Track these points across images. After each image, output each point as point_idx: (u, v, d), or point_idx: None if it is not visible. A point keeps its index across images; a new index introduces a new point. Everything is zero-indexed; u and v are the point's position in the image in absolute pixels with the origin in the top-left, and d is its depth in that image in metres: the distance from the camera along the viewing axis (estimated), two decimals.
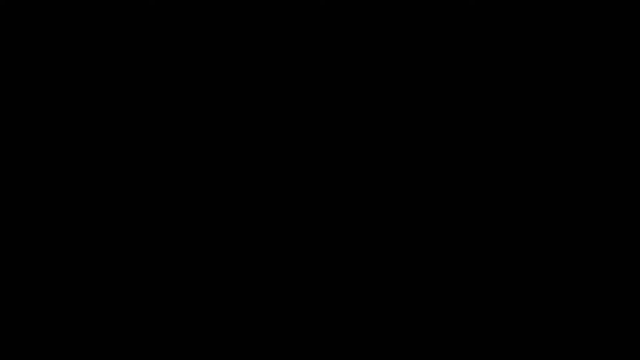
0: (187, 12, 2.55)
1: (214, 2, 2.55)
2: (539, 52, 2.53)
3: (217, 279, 2.51)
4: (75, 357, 2.47)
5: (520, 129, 2.52)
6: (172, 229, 2.52)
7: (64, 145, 2.52)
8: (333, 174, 2.53)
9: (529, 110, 2.52)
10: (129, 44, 2.54)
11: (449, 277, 2.50)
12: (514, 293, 2.49)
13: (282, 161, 2.53)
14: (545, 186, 2.51)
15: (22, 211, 2.51)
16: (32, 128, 2.52)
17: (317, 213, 2.52)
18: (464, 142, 2.53)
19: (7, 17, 2.53)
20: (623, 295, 2.47)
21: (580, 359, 2.45)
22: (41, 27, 2.54)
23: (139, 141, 2.53)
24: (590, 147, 2.51)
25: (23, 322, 2.48)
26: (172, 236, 2.52)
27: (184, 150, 2.53)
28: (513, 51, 2.53)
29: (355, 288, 2.50)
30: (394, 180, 2.53)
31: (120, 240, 2.51)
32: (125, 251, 2.51)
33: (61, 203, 2.51)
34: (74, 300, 2.49)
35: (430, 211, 2.52)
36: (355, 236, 2.52)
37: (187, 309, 2.50)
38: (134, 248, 2.51)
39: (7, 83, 2.53)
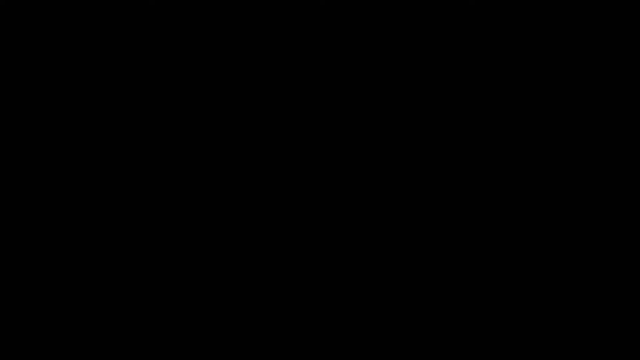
0: (187, 12, 2.55)
1: (214, 2, 2.55)
2: (539, 52, 2.53)
3: (217, 279, 2.51)
4: (75, 357, 2.47)
5: (520, 129, 2.52)
6: (172, 228, 2.52)
7: (64, 145, 2.52)
8: (333, 173, 2.53)
9: (529, 110, 2.52)
10: (129, 44, 2.54)
11: (449, 277, 2.50)
12: (514, 293, 2.49)
13: (282, 161, 2.53)
14: (545, 186, 2.51)
15: (22, 211, 2.51)
16: (32, 128, 2.53)
17: (317, 213, 2.52)
18: (464, 142, 2.53)
19: (7, 17, 2.53)
20: (623, 295, 2.47)
21: (580, 359, 2.45)
22: (41, 27, 2.54)
23: (139, 141, 2.53)
24: (590, 147, 2.51)
25: (23, 322, 2.48)
26: (172, 236, 2.52)
27: (184, 150, 2.53)
28: (513, 51, 2.53)
29: (355, 288, 2.50)
30: (394, 180, 2.53)
31: (120, 240, 2.51)
32: (125, 251, 2.51)
33: (61, 203, 2.51)
34: (74, 300, 2.49)
35: (430, 211, 2.52)
36: (355, 236, 2.52)
37: (187, 309, 2.50)
38: (134, 248, 2.51)
39: (7, 83, 2.53)
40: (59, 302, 2.49)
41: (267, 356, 2.48)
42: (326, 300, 2.50)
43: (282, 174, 2.53)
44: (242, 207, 2.53)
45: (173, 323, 2.49)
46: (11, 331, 2.47)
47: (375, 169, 2.53)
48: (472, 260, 2.50)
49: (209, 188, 2.53)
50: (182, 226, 2.52)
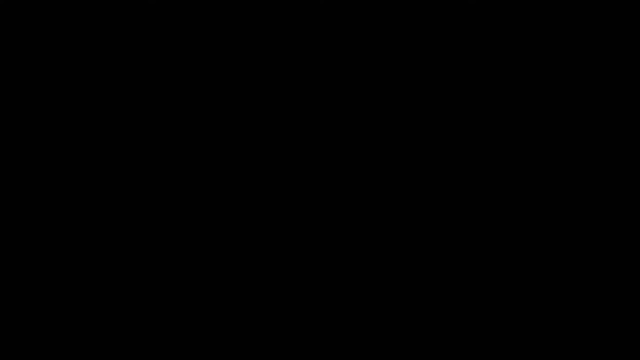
0: (187, 12, 2.55)
1: (214, 2, 2.55)
2: (539, 52, 2.53)
3: (217, 279, 2.51)
4: (75, 357, 2.47)
5: (520, 129, 2.52)
6: (172, 229, 2.52)
7: (64, 145, 2.52)
8: (333, 174, 2.53)
9: (529, 110, 2.52)
10: (129, 44, 2.54)
11: (449, 277, 2.50)
12: (514, 293, 2.49)
13: (282, 161, 2.53)
14: (545, 186, 2.51)
15: (22, 211, 2.51)
16: (32, 128, 2.53)
17: (317, 213, 2.52)
18: (464, 142, 2.53)
19: (7, 17, 2.53)
20: (623, 295, 2.47)
21: (581, 359, 2.45)
22: (41, 27, 2.54)
23: (139, 141, 2.53)
24: (590, 147, 2.51)
25: (23, 322, 2.48)
26: (172, 236, 2.52)
27: (184, 151, 2.53)
28: (513, 51, 2.53)
29: (355, 288, 2.50)
30: (394, 181, 2.53)
31: (120, 240, 2.51)
32: (125, 251, 2.51)
33: (61, 203, 2.51)
34: (74, 300, 2.49)
35: (430, 211, 2.52)
36: (355, 236, 2.52)
37: (187, 309, 2.50)
38: (134, 248, 2.51)
39: (7, 83, 2.53)
40: (59, 302, 2.49)
41: (267, 356, 2.48)
42: (326, 300, 2.50)
43: (282, 174, 2.53)
44: (242, 207, 2.53)
45: (173, 323, 2.49)
46: (11, 331, 2.47)
47: (375, 169, 2.53)
48: (472, 260, 2.50)
49: (209, 188, 2.53)
50: (182, 226, 2.52)
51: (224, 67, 2.55)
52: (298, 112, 2.54)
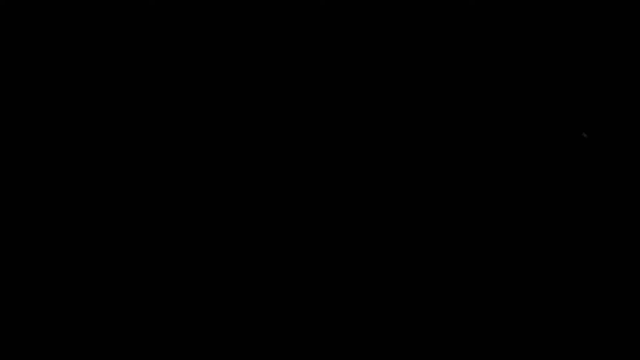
0: (187, 12, 2.55)
1: (214, 2, 2.55)
2: (539, 52, 2.53)
3: (217, 279, 2.51)
4: (75, 357, 2.47)
5: (519, 129, 2.53)
6: (172, 229, 2.52)
7: (64, 145, 2.53)
8: (333, 173, 2.54)
9: (529, 110, 2.53)
10: (129, 44, 2.54)
11: (449, 277, 2.50)
12: (514, 293, 2.49)
13: (282, 161, 2.54)
14: (544, 186, 2.51)
15: (22, 211, 2.51)
16: (32, 128, 2.53)
17: (317, 213, 2.53)
18: (463, 142, 2.53)
19: (7, 17, 2.54)
20: (623, 295, 2.47)
21: (581, 359, 2.46)
22: (41, 27, 2.54)
23: (139, 141, 2.54)
24: (590, 147, 2.52)
25: (23, 322, 2.48)
26: (172, 236, 2.52)
27: (184, 150, 2.54)
28: (513, 51, 2.53)
29: (356, 288, 2.51)
30: (393, 180, 2.53)
31: (120, 240, 2.51)
32: (125, 251, 2.51)
33: (61, 203, 2.52)
34: (74, 300, 2.50)
35: (430, 211, 2.52)
36: (355, 236, 2.52)
37: (187, 309, 2.50)
38: (134, 248, 2.51)
39: (7, 83, 2.53)
40: (59, 302, 2.49)
41: (267, 356, 2.49)
42: (326, 300, 2.51)
43: (281, 173, 2.54)
44: (242, 207, 2.53)
45: (173, 323, 2.49)
46: (11, 331, 2.47)
47: (375, 168, 2.53)
48: (472, 260, 2.51)
49: (209, 188, 2.53)
50: (182, 226, 2.52)
51: (224, 67, 2.55)
52: (298, 111, 2.55)
